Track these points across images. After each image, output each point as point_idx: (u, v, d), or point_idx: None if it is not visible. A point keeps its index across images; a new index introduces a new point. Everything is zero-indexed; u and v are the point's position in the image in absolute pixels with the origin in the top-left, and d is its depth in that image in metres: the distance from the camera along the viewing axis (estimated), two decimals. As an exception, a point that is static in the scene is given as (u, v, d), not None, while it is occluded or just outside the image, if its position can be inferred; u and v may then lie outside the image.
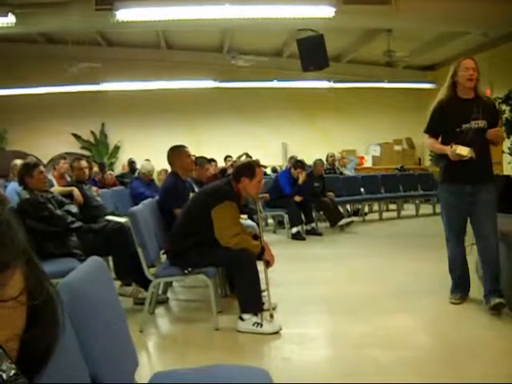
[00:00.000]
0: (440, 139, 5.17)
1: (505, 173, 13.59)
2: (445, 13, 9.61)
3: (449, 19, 9.96)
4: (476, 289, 5.94)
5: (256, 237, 5.18)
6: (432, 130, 5.23)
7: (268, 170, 14.50)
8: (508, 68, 13.95)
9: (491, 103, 5.29)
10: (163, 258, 5.35)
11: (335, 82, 15.96)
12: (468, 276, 5.43)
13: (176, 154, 5.88)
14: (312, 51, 11.26)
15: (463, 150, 4.73)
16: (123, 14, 9.13)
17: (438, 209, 13.39)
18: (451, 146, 4.82)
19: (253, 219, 7.29)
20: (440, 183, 5.37)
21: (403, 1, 9.15)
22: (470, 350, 4.09)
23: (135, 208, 4.92)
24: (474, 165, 4.83)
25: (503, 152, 13.52)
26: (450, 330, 4.65)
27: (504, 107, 13.25)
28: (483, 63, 15.10)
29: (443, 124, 5.07)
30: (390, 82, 16.34)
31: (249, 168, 4.95)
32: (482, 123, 4.92)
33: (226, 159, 13.32)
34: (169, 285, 5.97)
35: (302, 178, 10.41)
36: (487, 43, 14.18)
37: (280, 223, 10.99)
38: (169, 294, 5.92)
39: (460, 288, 5.39)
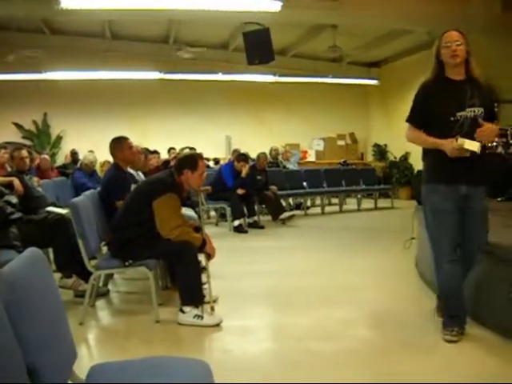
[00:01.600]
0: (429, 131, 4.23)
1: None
2: (391, 11, 9.74)
3: (394, 17, 10.10)
4: (414, 281, 6.09)
5: (197, 229, 5.18)
6: (416, 119, 4.29)
7: (211, 163, 14.49)
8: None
9: (487, 85, 4.26)
10: (104, 249, 5.30)
11: (280, 76, 16.03)
12: (464, 306, 4.27)
13: (117, 145, 5.82)
14: (258, 45, 11.27)
15: (473, 145, 3.89)
16: (68, 2, 8.98)
17: (380, 203, 13.85)
18: (456, 140, 3.93)
19: (195, 211, 7.28)
20: (426, 184, 4.31)
21: (350, -3, 9.26)
22: (409, 343, 4.19)
23: (76, 199, 4.86)
24: (470, 162, 4.00)
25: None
26: (390, 323, 4.74)
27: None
28: (426, 61, 15.42)
29: (430, 112, 4.16)
30: (334, 77, 16.51)
31: (191, 160, 4.94)
32: (478, 111, 4.06)
33: (169, 151, 13.26)
34: (110, 277, 5.92)
35: (245, 171, 10.44)
36: (431, 42, 14.38)
37: (222, 216, 10.99)
38: (110, 286, 5.87)
39: (455, 320, 4.22)
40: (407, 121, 4.37)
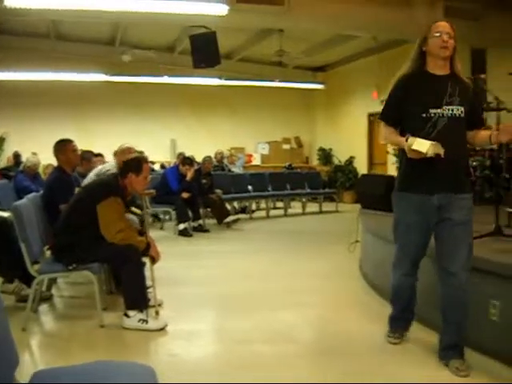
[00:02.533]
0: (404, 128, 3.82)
1: (389, 173, 14.02)
2: (337, 16, 9.83)
3: (340, 22, 10.20)
4: (359, 283, 6.16)
5: (142, 233, 5.16)
6: (389, 116, 3.91)
7: (156, 166, 14.40)
8: (394, 72, 14.39)
9: (470, 84, 3.85)
10: (47, 253, 5.22)
11: (226, 79, 16.04)
12: (413, 311, 4.18)
13: (61, 148, 5.74)
14: (204, 48, 11.25)
15: (421, 145, 3.47)
16: (12, 1, 8.81)
17: (325, 207, 13.96)
18: (406, 139, 3.56)
19: (139, 215, 7.23)
20: (396, 191, 3.92)
21: (296, 2, 9.27)
22: (354, 344, 4.26)
23: (19, 202, 4.77)
24: (444, 167, 3.59)
25: (388, 153, 13.97)
26: (334, 325, 4.80)
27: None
28: (371, 66, 15.72)
29: (405, 106, 3.76)
30: (280, 81, 16.59)
31: (135, 163, 4.91)
32: (458, 110, 3.65)
33: (115, 155, 13.10)
34: (53, 281, 5.83)
35: (189, 174, 10.41)
36: (376, 47, 14.64)
37: (157, 218, 11.08)
38: (53, 291, 5.79)
39: (400, 323, 4.20)
40: (379, 118, 4.02)
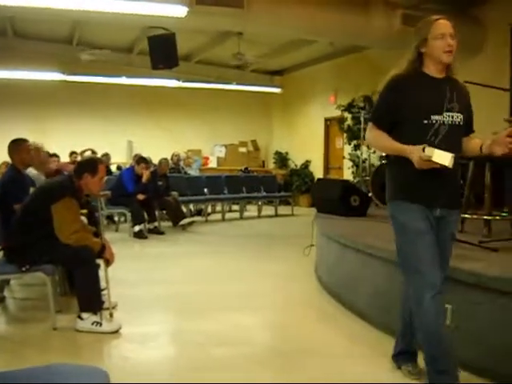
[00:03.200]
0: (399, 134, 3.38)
1: (344, 177, 14.19)
2: (295, 21, 9.86)
3: (299, 27, 10.24)
4: (314, 286, 6.21)
5: (97, 234, 5.12)
6: (382, 119, 3.46)
7: (113, 167, 14.28)
8: (351, 78, 14.64)
9: (467, 89, 3.51)
10: (0, 254, 5.15)
11: (184, 81, 16.00)
12: (452, 350, 3.31)
13: (16, 147, 5.66)
14: (163, 49, 11.23)
15: (443, 158, 3.12)
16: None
17: (280, 210, 14.04)
18: (423, 149, 3.13)
19: (94, 216, 7.18)
20: (392, 200, 3.49)
21: (256, 5, 9.29)
22: (308, 346, 4.30)
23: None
24: (446, 179, 3.30)
25: (344, 157, 14.11)
26: (290, 327, 4.84)
27: (346, 115, 13.90)
28: (329, 71, 15.84)
29: (400, 111, 3.34)
30: (238, 84, 16.62)
31: (91, 164, 4.88)
32: (458, 117, 3.33)
33: (71, 155, 12.98)
34: (6, 283, 5.75)
35: (145, 176, 10.36)
36: (333, 53, 14.78)
37: (111, 220, 11.00)
38: (5, 293, 5.70)
39: (447, 377, 3.24)
40: (370, 120, 3.57)
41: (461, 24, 10.61)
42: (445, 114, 3.28)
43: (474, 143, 3.47)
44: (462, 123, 3.33)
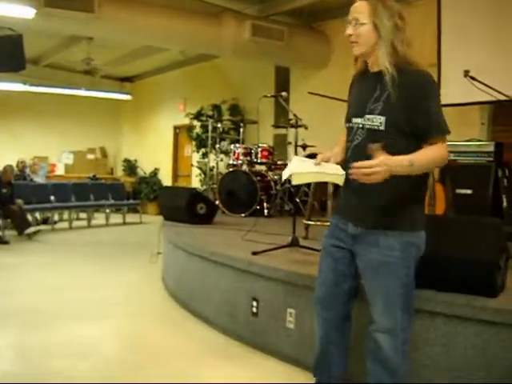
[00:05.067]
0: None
1: (193, 185, 14.33)
2: (146, 28, 9.87)
3: (151, 34, 10.25)
4: (161, 294, 6.29)
5: None
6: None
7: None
8: (200, 86, 14.84)
9: (418, 84, 2.74)
10: None
11: (31, 85, 15.53)
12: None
13: None
14: (8, 51, 10.85)
15: (334, 175, 2.82)
16: None
17: (129, 218, 13.98)
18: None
19: None
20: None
21: (107, 11, 9.20)
22: (159, 354, 4.38)
23: None
24: (362, 189, 2.75)
25: (192, 165, 14.26)
26: (139, 337, 4.90)
27: (195, 123, 14.05)
28: (179, 79, 15.94)
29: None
30: (87, 90, 16.34)
31: None
32: (377, 120, 2.72)
33: None
34: None
35: (-11, 183, 10.03)
36: (184, 61, 14.93)
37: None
38: None
39: None
40: None
41: (308, 37, 11.23)
42: (365, 117, 2.78)
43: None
44: (381, 128, 2.71)
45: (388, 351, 2.82)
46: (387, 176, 2.55)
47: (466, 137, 8.34)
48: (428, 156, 2.70)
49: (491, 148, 7.94)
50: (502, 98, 4.61)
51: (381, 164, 2.52)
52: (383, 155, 2.54)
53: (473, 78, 4.55)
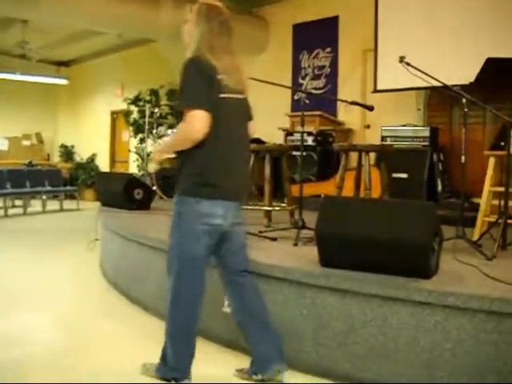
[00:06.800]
0: None
1: (130, 171, 14.25)
2: (83, 11, 9.72)
3: (88, 18, 10.11)
4: (99, 281, 6.27)
5: None
6: None
7: None
8: (138, 70, 14.73)
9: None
10: None
11: (-38, 69, 15.19)
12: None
13: None
14: None
15: None
16: None
17: (66, 205, 13.81)
18: None
19: None
20: None
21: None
22: (96, 343, 4.38)
23: None
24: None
25: (130, 151, 14.16)
26: (77, 325, 4.86)
27: (133, 108, 13.93)
28: (116, 64, 15.78)
29: None
30: (22, 74, 16.02)
31: None
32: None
33: None
34: None
35: None
36: (121, 45, 14.74)
37: None
38: None
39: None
40: None
41: (247, 22, 11.25)
42: None
43: None
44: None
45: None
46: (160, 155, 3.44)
47: (403, 122, 8.56)
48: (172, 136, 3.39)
49: (427, 133, 8.18)
50: (437, 84, 4.70)
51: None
52: None
53: (408, 64, 4.63)
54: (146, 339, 4.37)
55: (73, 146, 18.11)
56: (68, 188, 14.92)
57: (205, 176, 3.20)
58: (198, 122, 3.07)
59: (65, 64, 18.55)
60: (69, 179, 16.13)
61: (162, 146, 3.32)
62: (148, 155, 11.20)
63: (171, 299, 3.36)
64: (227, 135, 3.24)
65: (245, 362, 3.63)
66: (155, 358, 3.48)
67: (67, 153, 18.10)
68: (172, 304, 3.36)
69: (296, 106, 10.57)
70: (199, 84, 3.12)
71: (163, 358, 3.47)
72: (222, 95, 3.18)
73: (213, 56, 3.20)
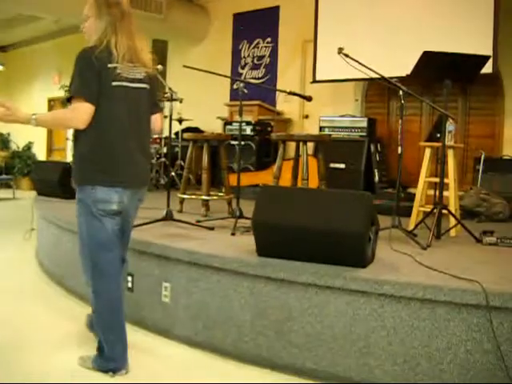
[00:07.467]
0: None
1: (68, 159, 14.05)
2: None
3: (23, 2, 9.89)
4: (35, 271, 6.15)
5: None
6: None
7: None
8: (74, 58, 14.44)
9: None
10: None
11: None
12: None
13: None
14: None
15: None
16: None
17: (1, 194, 13.51)
18: None
19: None
20: None
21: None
22: (32, 337, 4.25)
23: None
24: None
25: (67, 139, 13.96)
26: (11, 318, 4.72)
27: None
28: (54, 51, 15.49)
29: None
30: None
31: None
32: None
33: None
34: None
35: None
36: (58, 31, 14.50)
37: None
38: None
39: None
40: None
41: (187, 10, 11.18)
42: None
43: None
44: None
45: None
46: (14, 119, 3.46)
47: (341, 113, 8.64)
48: (53, 114, 3.92)
49: (364, 124, 8.29)
50: (375, 75, 4.75)
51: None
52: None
53: (346, 56, 4.68)
54: (80, 329, 4.29)
55: (9, 134, 17.68)
56: (3, 177, 14.59)
57: (96, 162, 3.29)
58: (82, 114, 3.18)
59: (1, 49, 18.12)
60: (4, 168, 15.76)
61: (39, 116, 3.34)
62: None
63: (92, 288, 3.46)
64: (120, 123, 3.30)
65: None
66: (92, 350, 3.46)
67: (3, 141, 17.67)
68: (94, 292, 3.45)
69: (235, 95, 10.56)
70: (88, 75, 3.22)
71: (99, 349, 3.49)
72: (115, 83, 3.26)
73: (116, 43, 3.30)
